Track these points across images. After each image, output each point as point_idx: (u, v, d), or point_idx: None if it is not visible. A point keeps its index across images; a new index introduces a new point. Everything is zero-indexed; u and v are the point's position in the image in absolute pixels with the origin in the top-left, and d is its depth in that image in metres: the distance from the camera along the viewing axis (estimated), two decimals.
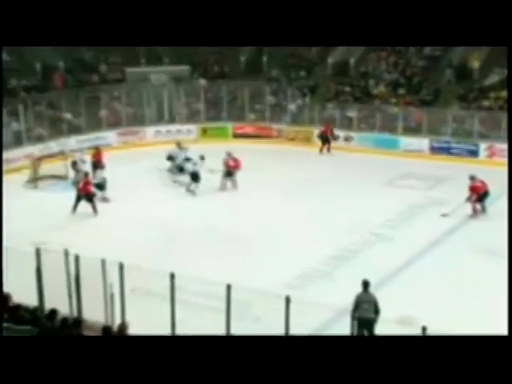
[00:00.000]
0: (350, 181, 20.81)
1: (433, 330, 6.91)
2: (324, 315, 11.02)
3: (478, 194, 16.93)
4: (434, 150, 24.28)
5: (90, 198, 18.28)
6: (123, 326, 9.97)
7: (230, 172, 20.25)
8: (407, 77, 27.23)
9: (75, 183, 20.44)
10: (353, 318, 9.82)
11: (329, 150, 25.25)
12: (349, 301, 10.28)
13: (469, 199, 16.86)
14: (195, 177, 19.62)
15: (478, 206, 17.06)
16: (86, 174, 19.23)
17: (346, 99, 27.23)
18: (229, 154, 20.51)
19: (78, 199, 18.22)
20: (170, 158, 21.67)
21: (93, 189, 18.54)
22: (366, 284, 10.48)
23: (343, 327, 9.61)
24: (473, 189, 16.90)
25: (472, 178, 17.06)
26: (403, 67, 27.66)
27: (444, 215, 16.74)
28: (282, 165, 22.87)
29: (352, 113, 26.58)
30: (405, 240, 15.60)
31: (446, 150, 24.09)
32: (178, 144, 22.26)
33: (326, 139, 25.32)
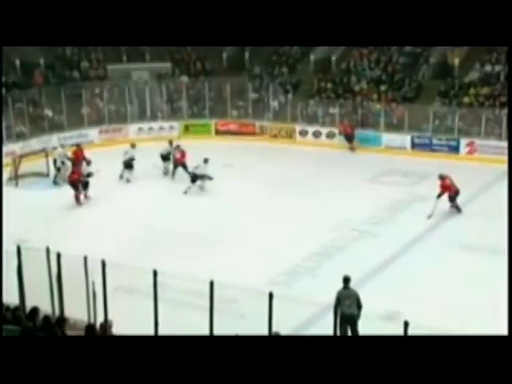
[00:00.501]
0: (333, 177, 20.86)
1: (416, 326, 6.94)
2: (308, 311, 11.04)
3: (449, 193, 16.84)
4: (416, 146, 24.41)
5: (75, 186, 18.59)
6: (107, 325, 9.92)
7: (176, 164, 21.08)
8: (389, 74, 27.34)
9: (56, 182, 20.34)
10: (335, 314, 9.82)
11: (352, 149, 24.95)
12: (333, 297, 10.30)
13: (439, 196, 16.78)
14: (195, 179, 19.40)
15: (450, 205, 17.01)
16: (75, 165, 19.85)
17: (328, 96, 27.27)
18: (176, 147, 21.38)
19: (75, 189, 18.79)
20: (165, 157, 21.54)
21: (81, 178, 18.98)
22: (346, 280, 10.48)
23: (327, 323, 9.62)
24: (443, 187, 16.86)
25: (442, 178, 16.97)
26: (385, 64, 27.77)
27: (429, 216, 16.67)
28: (264, 162, 22.87)
29: (334, 109, 26.63)
30: (388, 236, 15.66)
31: (427, 147, 24.22)
32: (171, 141, 22.05)
33: (349, 138, 25.03)
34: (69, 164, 20.70)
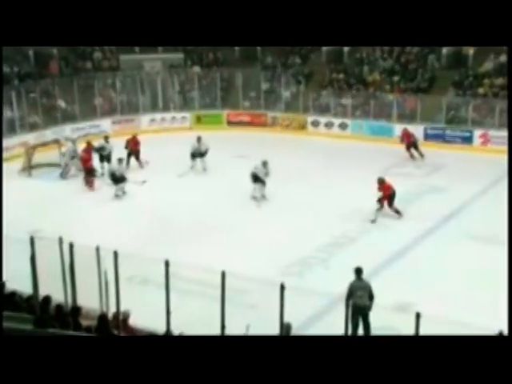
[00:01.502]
0: (345, 168, 20.80)
1: (427, 317, 6.93)
2: (320, 302, 11.04)
3: (388, 196, 16.36)
4: (429, 137, 24.27)
5: (89, 171, 19.19)
6: (119, 314, 10.00)
7: (130, 153, 21.33)
8: (402, 64, 27.18)
9: (63, 176, 20.45)
10: (347, 305, 9.82)
11: (420, 155, 22.18)
12: (345, 288, 10.29)
13: (379, 201, 16.33)
14: (256, 180, 18.12)
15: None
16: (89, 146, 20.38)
17: (340, 86, 27.16)
18: (133, 136, 21.75)
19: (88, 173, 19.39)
20: (197, 154, 21.05)
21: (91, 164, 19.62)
22: (358, 271, 10.47)
23: (339, 314, 9.62)
24: (383, 190, 16.39)
25: (381, 181, 16.48)
26: (398, 54, 27.59)
27: (373, 221, 16.20)
28: (276, 152, 22.78)
29: (346, 100, 26.54)
30: (400, 227, 15.62)
31: (440, 138, 24.09)
32: (199, 138, 21.67)
33: (412, 145, 22.34)
34: (77, 161, 20.70)
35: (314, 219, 16.27)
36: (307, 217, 16.46)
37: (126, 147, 21.45)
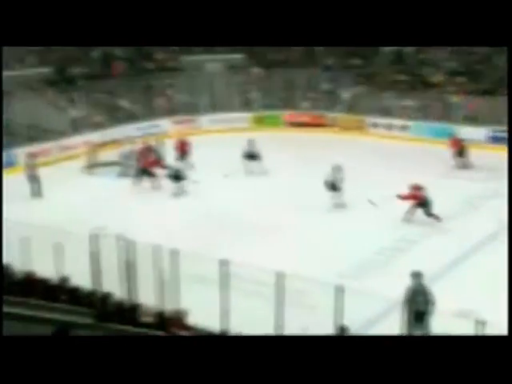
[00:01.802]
0: (405, 171, 20.42)
1: (488, 324, 6.74)
2: (378, 306, 10.88)
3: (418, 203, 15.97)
4: (494, 140, 23.61)
5: (151, 173, 19.40)
6: (183, 314, 10.12)
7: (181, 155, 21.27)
8: (467, 65, 26.53)
9: (122, 173, 20.80)
10: (405, 309, 9.66)
11: (466, 165, 21.13)
12: (403, 292, 10.11)
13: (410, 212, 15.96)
14: (332, 188, 17.46)
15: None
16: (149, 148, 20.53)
17: (402, 88, 26.74)
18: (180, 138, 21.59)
19: (142, 173, 19.39)
20: (250, 157, 21.01)
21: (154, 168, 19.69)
22: (417, 275, 10.28)
23: (397, 319, 9.46)
24: (412, 195, 15.99)
25: (414, 188, 16.09)
26: (463, 55, 26.95)
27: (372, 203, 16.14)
28: (335, 153, 22.60)
29: (408, 102, 26.10)
30: (462, 232, 15.24)
31: (506, 141, 23.39)
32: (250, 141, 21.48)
33: (460, 153, 21.34)
34: (132, 163, 21.00)
35: (372, 222, 16.05)
36: (366, 219, 16.26)
37: (177, 148, 21.56)
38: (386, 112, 26.38)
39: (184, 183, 18.90)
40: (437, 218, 15.80)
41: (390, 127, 25.90)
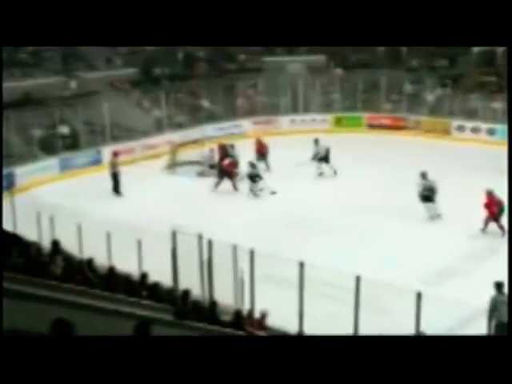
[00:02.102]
0: (491, 177, 19.71)
1: None
2: (458, 314, 10.54)
3: (493, 211, 15.12)
4: None
5: (231, 175, 19.49)
6: (263, 314, 10.18)
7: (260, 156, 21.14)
8: None
9: (199, 173, 21.05)
10: (490, 319, 9.32)
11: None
12: (485, 301, 9.76)
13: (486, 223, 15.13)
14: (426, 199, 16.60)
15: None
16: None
17: (491, 90, 25.84)
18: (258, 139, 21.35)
19: (221, 177, 19.52)
20: (318, 158, 20.89)
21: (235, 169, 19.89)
22: (499, 285, 9.90)
23: (478, 328, 9.15)
24: (489, 203, 15.13)
25: (489, 194, 15.19)
26: None
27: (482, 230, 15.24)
28: (416, 157, 22.05)
29: (497, 104, 25.20)
30: None
31: None
32: (316, 141, 21.41)
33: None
34: (212, 163, 21.22)
35: (455, 228, 15.58)
36: (447, 225, 15.82)
37: (255, 149, 21.62)
38: (472, 114, 25.57)
39: (260, 184, 18.97)
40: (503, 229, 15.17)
41: (476, 130, 25.08)
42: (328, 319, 10.33)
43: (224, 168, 19.90)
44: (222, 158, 20.70)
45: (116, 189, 19.53)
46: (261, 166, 20.45)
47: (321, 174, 20.72)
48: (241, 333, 8.65)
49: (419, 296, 8.05)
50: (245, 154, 20.80)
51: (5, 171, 19.42)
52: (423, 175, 16.58)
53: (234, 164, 20.24)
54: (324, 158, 20.66)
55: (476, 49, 27.18)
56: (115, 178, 19.55)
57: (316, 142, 20.94)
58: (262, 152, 21.70)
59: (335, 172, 20.61)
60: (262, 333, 9.58)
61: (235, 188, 19.46)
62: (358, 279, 8.54)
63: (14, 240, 11.04)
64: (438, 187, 16.43)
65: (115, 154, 20.20)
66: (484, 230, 15.35)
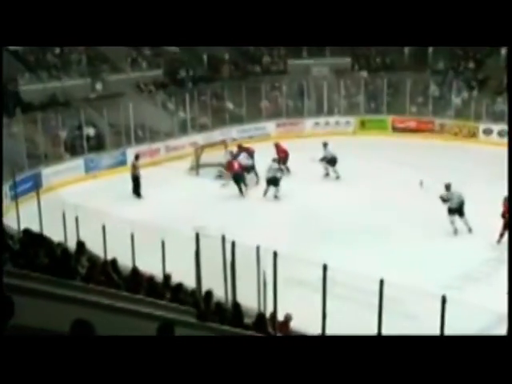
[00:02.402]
0: None
1: None
2: (482, 319, 10.43)
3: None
4: None
5: (236, 178, 19.26)
6: (287, 318, 10.17)
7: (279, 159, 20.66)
8: None
9: (218, 175, 21.05)
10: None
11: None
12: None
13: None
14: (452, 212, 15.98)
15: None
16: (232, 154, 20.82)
17: None
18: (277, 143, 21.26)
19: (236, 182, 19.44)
20: (326, 161, 21.11)
21: (238, 170, 19.67)
22: (447, 186, 9.81)
23: (503, 333, 9.01)
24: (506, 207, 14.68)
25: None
26: None
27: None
28: (441, 161, 21.88)
29: None
30: None
31: None
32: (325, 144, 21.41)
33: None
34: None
35: (479, 232, 15.41)
36: (472, 229, 15.65)
37: (277, 152, 21.54)
38: (499, 118, 25.24)
39: (280, 187, 18.93)
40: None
41: (503, 134, 24.75)
42: (351, 323, 10.27)
43: (233, 172, 19.79)
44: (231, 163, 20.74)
45: (136, 191, 19.67)
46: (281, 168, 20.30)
47: (326, 175, 21.06)
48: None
49: (444, 300, 7.95)
50: (267, 155, 20.75)
51: (31, 172, 19.76)
52: (447, 187, 15.78)
53: (231, 165, 20.14)
54: (330, 161, 20.80)
55: (504, 51, 26.83)
56: (136, 180, 19.69)
57: (325, 145, 21.04)
58: (280, 155, 21.53)
59: (338, 177, 20.77)
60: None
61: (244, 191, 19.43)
62: (381, 283, 8.46)
63: (40, 240, 11.13)
64: (464, 200, 15.75)
65: (136, 157, 20.34)
66: (499, 241, 14.88)
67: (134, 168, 19.97)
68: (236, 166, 19.82)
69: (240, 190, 19.31)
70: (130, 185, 19.70)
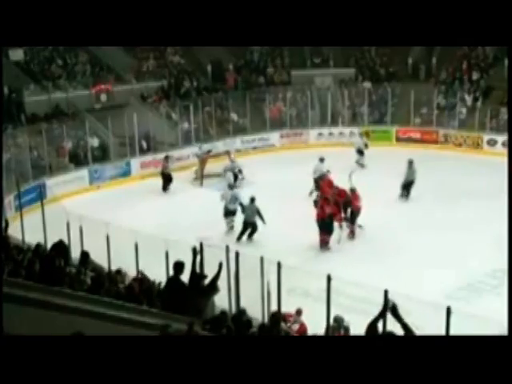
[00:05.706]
0: None
1: None
2: (489, 331, 10.34)
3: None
4: None
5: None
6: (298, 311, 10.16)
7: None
8: None
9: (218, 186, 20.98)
10: None
11: None
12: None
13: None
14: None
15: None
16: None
17: None
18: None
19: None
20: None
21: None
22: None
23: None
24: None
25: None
26: None
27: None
28: (445, 171, 21.83)
29: None
30: None
31: None
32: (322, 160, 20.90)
33: None
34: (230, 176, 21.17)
35: (483, 242, 15.36)
36: (476, 239, 15.59)
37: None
38: (504, 128, 25.17)
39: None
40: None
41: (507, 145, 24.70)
42: (354, 333, 10.21)
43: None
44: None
45: (165, 187, 21.22)
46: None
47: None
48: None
49: (449, 311, 7.91)
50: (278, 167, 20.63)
51: (36, 182, 19.79)
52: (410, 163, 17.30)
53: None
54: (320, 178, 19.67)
55: (507, 61, 26.84)
56: (166, 178, 21.23)
57: (321, 160, 20.45)
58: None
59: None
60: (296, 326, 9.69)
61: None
62: (385, 293, 8.41)
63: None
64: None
65: (166, 158, 21.97)
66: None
67: (164, 167, 21.38)
68: None
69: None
70: (135, 195, 19.75)
